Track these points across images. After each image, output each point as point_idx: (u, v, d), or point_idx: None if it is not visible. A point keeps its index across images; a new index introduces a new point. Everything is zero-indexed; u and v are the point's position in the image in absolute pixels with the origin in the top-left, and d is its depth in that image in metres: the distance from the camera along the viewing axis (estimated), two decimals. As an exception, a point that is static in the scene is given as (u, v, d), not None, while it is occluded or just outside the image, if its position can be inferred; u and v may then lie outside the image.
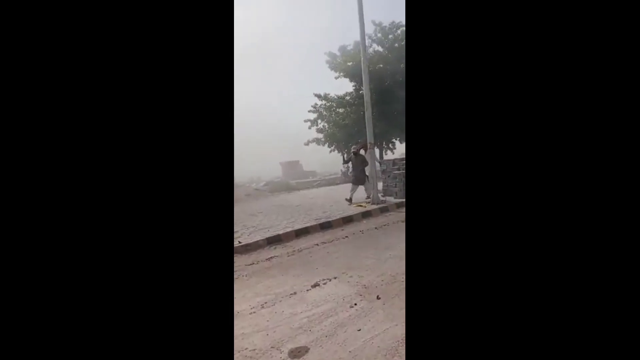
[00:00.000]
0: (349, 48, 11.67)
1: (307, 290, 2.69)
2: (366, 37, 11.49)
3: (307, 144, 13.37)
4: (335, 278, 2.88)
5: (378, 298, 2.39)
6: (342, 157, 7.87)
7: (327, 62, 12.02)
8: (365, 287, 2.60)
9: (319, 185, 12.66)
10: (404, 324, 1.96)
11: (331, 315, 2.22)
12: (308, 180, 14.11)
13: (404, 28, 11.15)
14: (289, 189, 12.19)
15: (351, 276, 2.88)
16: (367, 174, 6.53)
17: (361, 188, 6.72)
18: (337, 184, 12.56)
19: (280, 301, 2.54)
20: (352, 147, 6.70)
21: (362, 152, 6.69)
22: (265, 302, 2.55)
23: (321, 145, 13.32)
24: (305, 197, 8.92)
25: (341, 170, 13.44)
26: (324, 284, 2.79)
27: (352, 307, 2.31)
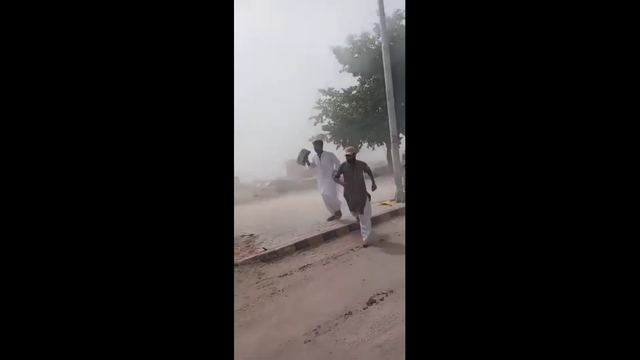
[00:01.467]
0: (355, 39, 11.21)
1: (364, 309, 2.28)
2: (369, 30, 11.17)
3: (312, 139, 12.93)
4: (391, 292, 2.47)
5: (458, 318, 1.99)
6: (306, 162, 4.95)
7: (335, 52, 11.54)
8: (435, 304, 2.20)
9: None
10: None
11: (408, 343, 1.81)
12: (314, 178, 13.66)
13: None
14: (297, 188, 11.75)
15: (410, 289, 2.48)
16: (370, 192, 3.94)
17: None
18: (344, 181, 12.15)
19: (336, 324, 2.13)
20: (346, 150, 3.98)
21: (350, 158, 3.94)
22: (319, 326, 2.13)
23: (326, 142, 12.89)
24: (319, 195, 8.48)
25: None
26: (381, 300, 2.38)
27: (430, 330, 1.90)
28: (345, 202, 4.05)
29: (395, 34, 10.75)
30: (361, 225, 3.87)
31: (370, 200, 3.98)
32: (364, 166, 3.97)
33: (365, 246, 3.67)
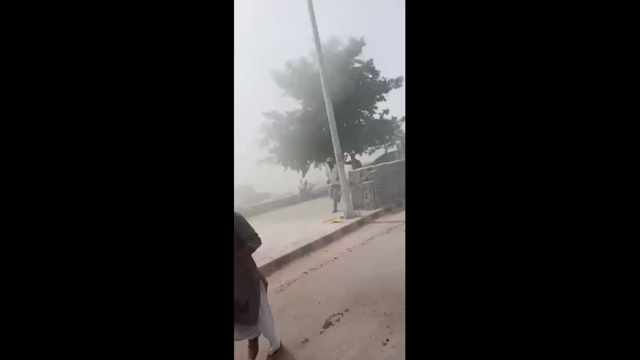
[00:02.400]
0: (294, 64, 11.60)
1: (321, 333, 2.23)
2: (306, 55, 11.72)
3: (258, 163, 12.80)
4: (346, 311, 2.47)
5: (410, 327, 2.05)
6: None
7: (274, 77, 11.77)
8: (388, 316, 2.25)
9: (277, 207, 12.06)
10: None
11: (366, 362, 1.80)
12: (263, 202, 13.33)
13: (347, 44, 11.52)
14: (244, 214, 11.30)
15: (365, 305, 2.50)
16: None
17: None
18: (294, 203, 12.13)
19: (293, 354, 2.04)
20: None
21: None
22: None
23: (274, 164, 12.83)
24: (271, 219, 8.28)
25: (299, 187, 13.05)
26: (337, 321, 2.36)
27: (385, 344, 1.93)
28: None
29: (332, 59, 11.45)
30: None
31: (265, 297, 1.96)
32: (243, 232, 1.85)
33: None
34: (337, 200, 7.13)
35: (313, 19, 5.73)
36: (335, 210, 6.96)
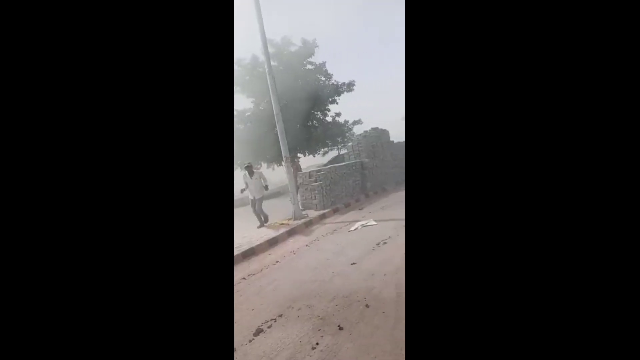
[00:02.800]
0: (245, 62, 11.23)
1: (250, 341, 2.10)
2: (258, 53, 11.45)
3: None
4: (280, 316, 2.38)
5: (340, 329, 2.03)
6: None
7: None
8: (321, 319, 2.21)
9: (226, 209, 11.51)
10: (384, 356, 1.66)
11: (292, 369, 1.73)
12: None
13: (300, 45, 11.49)
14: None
15: (299, 309, 2.43)
16: None
17: None
18: (244, 204, 11.72)
19: (217, 368, 1.88)
20: None
21: None
22: (195, 377, 1.84)
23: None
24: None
25: (241, 190, 12.66)
26: (269, 327, 2.25)
27: (315, 348, 1.88)
28: None
29: (285, 59, 11.32)
30: None
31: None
32: None
33: None
34: (260, 212, 5.75)
35: (259, 15, 5.57)
36: (261, 226, 5.67)
